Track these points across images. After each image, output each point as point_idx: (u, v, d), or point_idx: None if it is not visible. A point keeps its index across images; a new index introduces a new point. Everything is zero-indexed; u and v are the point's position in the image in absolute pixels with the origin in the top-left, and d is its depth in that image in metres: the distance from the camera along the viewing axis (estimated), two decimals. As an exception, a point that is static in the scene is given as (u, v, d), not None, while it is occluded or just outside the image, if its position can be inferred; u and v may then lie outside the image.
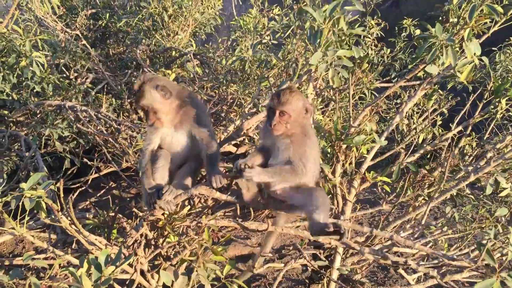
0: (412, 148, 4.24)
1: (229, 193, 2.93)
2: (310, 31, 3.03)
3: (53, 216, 2.76)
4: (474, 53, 3.11)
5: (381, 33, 7.00)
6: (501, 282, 2.39)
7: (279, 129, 2.69)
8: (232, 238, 5.41)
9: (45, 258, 3.10)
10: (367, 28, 6.87)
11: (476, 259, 2.58)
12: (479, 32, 3.36)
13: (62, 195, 2.61)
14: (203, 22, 8.52)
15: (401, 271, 4.14)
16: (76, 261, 2.60)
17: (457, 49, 3.23)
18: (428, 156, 6.15)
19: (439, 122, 5.94)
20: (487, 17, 3.14)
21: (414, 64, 3.56)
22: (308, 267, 4.10)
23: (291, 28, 4.31)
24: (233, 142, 4.00)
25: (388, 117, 7.39)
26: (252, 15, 7.00)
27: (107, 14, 8.25)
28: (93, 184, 6.16)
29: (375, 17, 6.87)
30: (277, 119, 2.66)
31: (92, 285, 1.81)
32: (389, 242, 3.75)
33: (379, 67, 7.05)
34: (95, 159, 5.25)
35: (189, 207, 2.90)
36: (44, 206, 2.55)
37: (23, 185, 2.40)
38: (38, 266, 3.21)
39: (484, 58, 3.17)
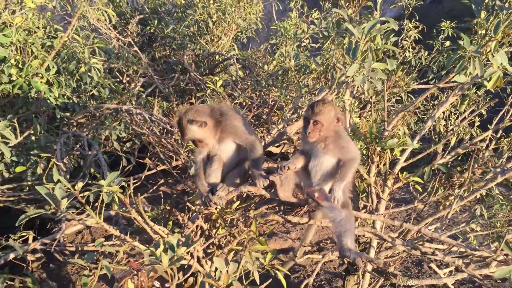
0: (448, 149, 4.50)
1: (272, 191, 3.31)
2: (349, 45, 3.36)
3: (123, 208, 3.19)
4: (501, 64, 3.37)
5: (419, 36, 7.20)
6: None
7: (313, 137, 3.05)
8: (274, 232, 5.78)
9: (112, 245, 3.57)
10: (405, 31, 7.10)
11: (496, 250, 2.84)
12: (508, 43, 3.61)
13: (131, 191, 3.06)
14: (244, 26, 8.93)
15: (433, 265, 4.41)
16: (142, 247, 3.03)
17: (486, 59, 3.49)
18: (461, 158, 6.31)
19: (477, 123, 6.08)
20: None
21: (446, 71, 3.81)
22: (345, 260, 4.42)
23: (330, 38, 4.62)
24: (276, 144, 4.37)
25: (425, 118, 7.55)
26: (292, 22, 7.32)
27: (155, 21, 8.78)
28: (143, 181, 6.67)
29: (413, 20, 7.08)
30: (311, 128, 3.02)
31: (168, 262, 2.23)
32: (421, 238, 4.04)
33: (415, 70, 7.26)
34: (147, 158, 5.72)
35: (238, 202, 3.29)
36: (117, 200, 3.00)
37: (101, 182, 2.84)
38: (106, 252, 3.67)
39: (508, 67, 3.40)
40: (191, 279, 3.79)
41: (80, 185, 2.84)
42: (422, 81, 7.57)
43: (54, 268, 5.86)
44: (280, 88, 5.95)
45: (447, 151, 4.49)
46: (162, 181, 6.05)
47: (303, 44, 7.94)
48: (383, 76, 3.39)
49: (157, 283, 2.29)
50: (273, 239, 6.24)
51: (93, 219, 3.98)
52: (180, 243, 2.61)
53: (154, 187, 5.91)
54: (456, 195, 4.12)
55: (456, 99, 6.71)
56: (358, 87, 4.53)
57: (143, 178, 5.84)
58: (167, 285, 2.46)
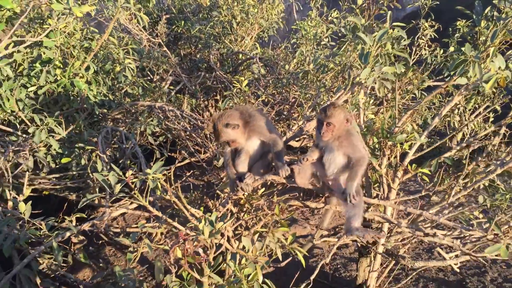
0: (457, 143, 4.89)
1: (291, 179, 3.78)
2: (361, 51, 3.80)
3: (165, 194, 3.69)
4: (499, 67, 3.77)
5: (435, 34, 7.53)
6: (507, 247, 3.08)
7: (326, 136, 3.50)
8: (294, 219, 6.26)
9: (152, 227, 4.09)
10: (421, 30, 7.44)
11: (487, 229, 3.25)
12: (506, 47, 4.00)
13: (172, 178, 3.56)
14: (266, 26, 9.39)
15: (440, 250, 4.83)
16: (180, 226, 3.53)
17: (487, 62, 3.88)
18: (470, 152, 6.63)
19: (491, 119, 6.39)
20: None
21: (451, 73, 4.20)
22: (358, 243, 4.87)
23: (347, 42, 5.04)
24: (296, 139, 4.84)
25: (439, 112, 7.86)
26: (311, 24, 7.73)
27: (182, 22, 9.30)
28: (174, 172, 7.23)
29: (429, 19, 7.42)
30: (325, 129, 3.48)
31: (209, 233, 2.73)
32: (428, 224, 4.47)
33: (430, 68, 7.60)
34: (178, 151, 6.26)
35: (263, 189, 3.77)
36: (159, 186, 3.50)
37: (148, 170, 3.34)
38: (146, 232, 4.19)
39: (506, 72, 3.80)
40: (220, 257, 4.29)
41: (130, 172, 3.35)
42: (437, 78, 7.89)
43: (93, 251, 6.44)
44: (300, 87, 6.40)
45: (456, 145, 4.89)
46: (190, 172, 6.58)
47: (322, 42, 8.37)
48: (392, 78, 3.82)
49: (200, 250, 2.79)
50: (293, 227, 6.71)
51: (134, 204, 4.52)
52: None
53: (184, 178, 6.43)
54: (460, 185, 4.53)
55: (465, 98, 7.12)
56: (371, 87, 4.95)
57: (173, 169, 6.37)
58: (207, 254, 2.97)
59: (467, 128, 6.04)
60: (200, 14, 9.68)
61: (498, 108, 6.18)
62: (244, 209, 3.88)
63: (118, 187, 3.22)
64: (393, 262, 5.06)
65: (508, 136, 4.94)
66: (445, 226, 6.40)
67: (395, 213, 4.72)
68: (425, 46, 7.88)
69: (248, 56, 8.16)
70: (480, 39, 4.00)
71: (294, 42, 8.68)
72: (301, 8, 9.60)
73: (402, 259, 4.50)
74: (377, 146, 4.57)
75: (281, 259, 3.69)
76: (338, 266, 6.07)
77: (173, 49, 9.64)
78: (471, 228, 3.42)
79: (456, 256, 4.85)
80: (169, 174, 3.57)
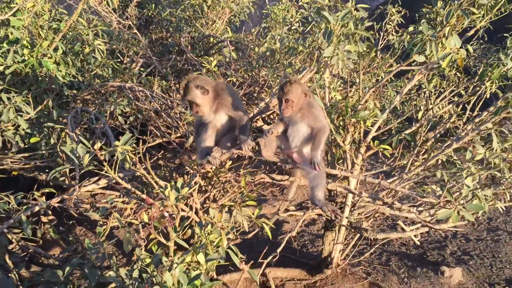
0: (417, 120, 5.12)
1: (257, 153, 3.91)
2: (325, 30, 3.93)
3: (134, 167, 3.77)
4: (455, 45, 3.97)
5: (402, 20, 7.73)
6: (457, 212, 3.27)
7: (287, 112, 3.66)
8: (263, 197, 6.41)
9: (122, 202, 4.16)
10: (388, 15, 7.64)
11: (439, 196, 3.44)
12: (462, 28, 4.22)
13: (141, 152, 3.64)
14: (237, 11, 9.45)
15: (400, 223, 5.06)
16: (149, 199, 3.63)
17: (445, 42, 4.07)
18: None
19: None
20: (464, 19, 3.98)
21: (409, 53, 4.39)
22: (323, 217, 5.06)
23: (312, 23, 5.18)
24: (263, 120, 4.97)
25: (407, 98, 8.12)
26: (282, 7, 7.84)
27: (153, 5, 9.28)
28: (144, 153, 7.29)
29: (396, 5, 7.61)
30: (284, 105, 3.63)
31: (174, 199, 2.84)
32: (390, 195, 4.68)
33: (398, 52, 7.81)
34: (148, 134, 6.32)
35: (230, 162, 3.89)
36: (129, 159, 3.58)
37: (116, 143, 3.41)
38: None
39: (461, 50, 4.01)
40: (189, 231, 4.41)
41: (98, 144, 3.42)
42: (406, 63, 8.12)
43: (63, 231, 6.47)
44: (269, 68, 6.52)
45: (414, 124, 5.12)
46: (161, 153, 6.64)
47: (293, 27, 8.49)
48: (354, 57, 3.98)
49: (166, 213, 2.89)
50: (263, 205, 6.87)
51: (104, 180, 4.58)
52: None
53: (154, 159, 6.49)
54: (419, 160, 4.76)
55: (436, 80, 7.36)
56: (337, 66, 5.11)
57: (143, 150, 6.44)
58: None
59: (433, 112, 6.29)
60: (171, -2, 9.67)
61: (463, 92, 6.44)
62: (212, 183, 4.00)
63: (86, 158, 3.28)
64: (357, 235, 5.27)
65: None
66: (405, 200, 6.66)
67: (357, 188, 4.92)
68: (392, 31, 8.08)
69: (219, 40, 8.23)
70: (437, 19, 4.19)
71: (265, 26, 8.78)
72: (272, -7, 9.68)
73: (365, 231, 4.70)
74: (341, 123, 4.75)
75: (247, 231, 3.83)
76: (306, 242, 6.27)
77: (144, 33, 9.60)
78: (425, 195, 3.61)
79: (416, 229, 5.09)
80: (138, 150, 3.65)
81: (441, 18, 4.15)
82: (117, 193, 4.97)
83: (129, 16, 8.82)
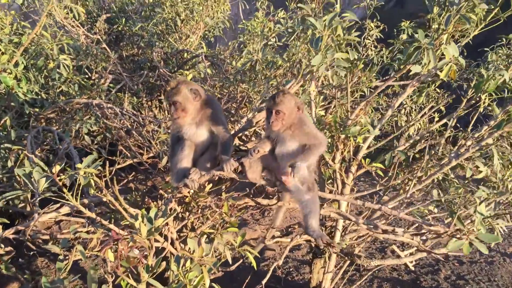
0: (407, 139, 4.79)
1: (242, 174, 3.47)
2: (312, 37, 3.57)
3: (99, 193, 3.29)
4: (453, 55, 3.66)
5: (381, 35, 7.49)
6: (470, 243, 2.91)
7: (276, 125, 3.23)
8: (245, 221, 5.94)
9: (87, 232, 3.65)
10: (367, 30, 7.38)
11: (449, 224, 3.07)
12: (460, 36, 3.92)
13: (108, 175, 3.17)
14: (212, 25, 9.09)
15: (395, 247, 4.67)
16: (117, 229, 3.14)
17: (441, 52, 3.76)
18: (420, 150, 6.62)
19: (436, 119, 6.41)
20: (464, 23, 3.68)
21: (404, 65, 4.07)
22: (312, 245, 4.63)
23: (295, 33, 4.84)
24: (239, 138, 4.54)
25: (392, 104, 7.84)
26: (258, 20, 7.53)
27: (123, 19, 8.83)
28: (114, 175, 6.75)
29: (374, 20, 7.37)
30: (274, 117, 3.20)
31: (146, 232, 2.37)
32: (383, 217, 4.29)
33: (376, 67, 7.55)
34: (118, 152, 5.82)
35: (210, 185, 3.43)
36: (93, 184, 3.11)
37: (78, 165, 2.94)
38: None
39: (460, 58, 3.70)
40: (163, 263, 3.91)
41: (57, 167, 2.94)
42: (384, 78, 7.87)
43: (23, 263, 5.86)
44: (248, 82, 6.15)
45: (407, 140, 4.79)
46: (132, 175, 6.14)
47: (269, 43, 8.16)
48: (345, 64, 3.62)
49: (136, 251, 2.42)
50: (243, 229, 6.40)
51: (66, 207, 4.06)
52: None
53: (124, 181, 5.98)
54: (414, 179, 4.40)
55: (415, 95, 7.11)
56: (322, 79, 4.76)
57: (112, 172, 5.92)
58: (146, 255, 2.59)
59: (414, 129, 6.00)
60: (143, 12, 9.24)
61: (443, 108, 6.20)
62: (190, 208, 3.53)
63: (42, 183, 2.80)
64: (348, 262, 4.85)
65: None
66: (400, 223, 6.30)
67: (349, 210, 4.52)
68: (371, 46, 7.84)
69: (193, 55, 7.82)
70: (433, 26, 3.88)
71: (242, 41, 8.44)
72: (247, 7, 9.38)
73: (358, 258, 4.30)
74: (329, 140, 4.37)
75: (230, 262, 3.38)
76: (291, 269, 5.81)
77: (114, 50, 9.14)
78: (432, 223, 3.23)
79: (411, 254, 4.72)
80: (105, 173, 3.18)
81: (436, 26, 3.84)
82: (82, 221, 4.48)
83: (97, 31, 8.34)
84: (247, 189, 3.89)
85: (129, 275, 2.45)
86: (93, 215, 3.15)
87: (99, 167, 3.14)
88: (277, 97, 3.17)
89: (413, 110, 7.03)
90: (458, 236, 3.12)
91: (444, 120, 4.58)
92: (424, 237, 3.72)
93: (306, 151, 3.21)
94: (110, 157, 5.85)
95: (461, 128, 4.83)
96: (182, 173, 3.43)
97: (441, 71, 3.74)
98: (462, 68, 3.87)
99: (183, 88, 3.31)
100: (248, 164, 3.31)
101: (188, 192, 3.42)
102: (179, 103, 3.32)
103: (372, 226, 3.53)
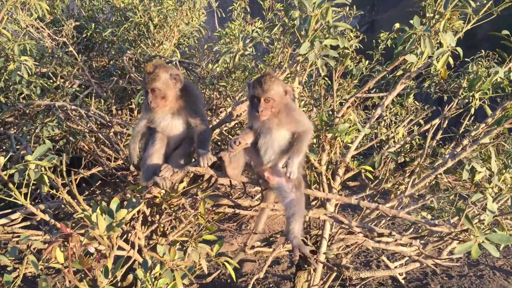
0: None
1: (221, 172, 3.07)
2: (299, 20, 3.24)
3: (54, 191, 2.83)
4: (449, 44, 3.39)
5: (360, 45, 7.27)
6: (479, 245, 2.57)
7: (266, 114, 2.86)
8: (220, 233, 5.52)
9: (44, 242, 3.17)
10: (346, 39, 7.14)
11: (455, 224, 2.73)
12: (453, 29, 3.66)
13: (64, 169, 2.73)
14: (186, 34, 8.73)
15: (384, 258, 4.31)
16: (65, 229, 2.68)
17: (434, 42, 3.48)
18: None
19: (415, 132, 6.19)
20: (459, 12, 3.42)
21: (397, 56, 3.77)
22: (295, 257, 4.23)
23: (277, 27, 4.54)
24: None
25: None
26: (237, 23, 7.26)
27: (92, 24, 8.39)
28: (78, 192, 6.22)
29: (353, 30, 7.16)
30: (263, 106, 2.83)
31: (105, 228, 1.93)
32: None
33: (356, 79, 7.32)
34: (83, 158, 5.34)
35: (184, 184, 3.01)
36: (47, 180, 2.66)
37: (28, 157, 2.50)
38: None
39: (458, 48, 3.43)
40: (130, 276, 3.44)
41: (1, 159, 2.49)
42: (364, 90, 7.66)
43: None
44: (226, 82, 5.82)
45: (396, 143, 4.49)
46: (98, 183, 5.65)
47: (246, 52, 7.86)
48: (334, 54, 3.31)
49: (92, 248, 1.97)
50: (220, 243, 5.95)
51: (18, 213, 3.56)
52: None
53: (86, 193, 5.49)
54: (405, 183, 4.07)
55: (397, 109, 6.88)
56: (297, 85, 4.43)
57: (77, 180, 5.43)
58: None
59: (394, 140, 5.75)
60: (114, 18, 8.83)
61: (422, 122, 6.00)
62: (161, 211, 3.09)
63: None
64: (334, 275, 4.45)
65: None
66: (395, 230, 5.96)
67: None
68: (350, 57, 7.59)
69: (167, 60, 7.42)
70: (428, 15, 3.61)
71: (217, 50, 8.10)
72: (223, 15, 9.09)
73: (346, 270, 3.91)
74: (315, 140, 4.02)
75: (206, 272, 2.95)
76: (271, 285, 5.36)
77: (83, 60, 8.66)
78: (436, 223, 2.87)
79: (402, 265, 4.36)
80: (63, 162, 2.74)
81: (431, 14, 3.57)
82: (38, 233, 3.99)
83: (64, 34, 7.87)
84: (224, 187, 3.49)
85: (83, 278, 2.00)
86: (46, 217, 2.69)
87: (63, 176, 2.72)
88: (264, 83, 2.80)
89: (392, 122, 6.81)
90: (462, 237, 2.79)
91: (436, 120, 4.28)
92: (423, 241, 3.36)
93: (297, 142, 2.85)
94: (73, 169, 5.37)
95: (456, 129, 4.58)
96: (152, 170, 3.01)
97: (437, 60, 3.45)
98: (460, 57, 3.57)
99: (162, 73, 2.92)
100: (227, 159, 2.90)
101: (159, 192, 2.99)
102: (158, 89, 2.91)
103: (366, 229, 3.15)
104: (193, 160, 3.13)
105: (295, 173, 2.80)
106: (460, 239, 2.83)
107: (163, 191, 2.97)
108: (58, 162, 2.81)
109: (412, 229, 4.70)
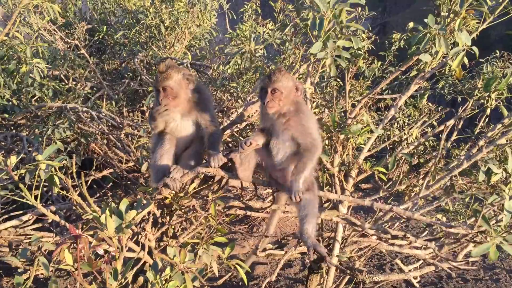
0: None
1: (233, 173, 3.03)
2: (313, 20, 3.19)
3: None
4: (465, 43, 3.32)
5: (373, 46, 7.19)
6: (497, 246, 2.49)
7: (272, 106, 2.82)
8: (231, 236, 5.49)
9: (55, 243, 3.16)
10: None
11: (472, 225, 2.66)
12: (468, 29, 3.59)
13: (75, 171, 2.71)
14: (198, 36, 8.73)
15: (398, 261, 4.24)
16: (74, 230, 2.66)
17: (449, 41, 3.41)
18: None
19: (429, 133, 6.11)
20: (473, 10, 3.36)
21: (411, 56, 3.70)
22: (307, 260, 4.18)
23: (288, 27, 4.50)
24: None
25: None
26: (248, 23, 7.24)
27: (104, 27, 8.43)
28: (90, 194, 6.22)
29: (366, 31, 7.09)
30: (270, 97, 2.79)
31: (114, 228, 1.90)
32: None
33: (368, 81, 7.25)
34: (94, 160, 5.35)
35: (194, 185, 2.97)
36: (57, 181, 2.64)
37: (38, 156, 2.48)
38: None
39: (474, 47, 3.36)
40: (141, 279, 3.41)
41: (13, 158, 2.48)
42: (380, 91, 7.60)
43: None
44: (238, 82, 5.80)
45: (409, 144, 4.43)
46: (109, 185, 5.65)
47: (257, 54, 7.83)
48: (346, 54, 3.26)
49: (100, 250, 1.94)
50: (234, 244, 5.91)
51: (29, 214, 3.55)
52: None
53: (97, 194, 5.49)
54: (419, 185, 4.00)
55: (410, 110, 6.82)
56: (317, 77, 4.37)
57: (88, 182, 5.44)
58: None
59: (407, 142, 5.69)
60: (125, 20, 8.85)
61: (435, 123, 5.92)
62: (171, 212, 3.06)
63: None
64: (347, 278, 4.38)
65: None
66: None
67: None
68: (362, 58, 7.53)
69: (178, 62, 7.41)
70: (442, 13, 3.54)
71: (228, 51, 8.09)
72: (235, 17, 9.08)
73: (359, 273, 3.85)
74: (327, 142, 3.97)
75: (217, 274, 2.91)
76: (282, 288, 5.32)
77: (95, 63, 8.70)
78: (453, 224, 2.79)
79: (416, 268, 4.29)
80: (73, 163, 2.72)
81: (446, 13, 3.50)
82: (49, 235, 3.98)
83: (76, 37, 7.91)
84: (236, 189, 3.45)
85: (93, 281, 1.98)
86: (57, 218, 2.67)
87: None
88: (273, 75, 2.77)
89: (405, 124, 6.74)
90: (479, 239, 2.72)
91: (451, 121, 4.20)
92: (438, 244, 3.28)
93: (301, 160, 2.80)
94: (84, 171, 5.37)
95: (469, 131, 4.50)
96: (162, 171, 2.97)
97: (452, 60, 3.39)
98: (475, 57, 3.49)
99: (175, 72, 2.89)
100: (238, 160, 2.86)
101: (169, 194, 2.96)
102: (170, 89, 2.88)
103: (380, 231, 3.09)
104: (204, 161, 3.10)
105: (299, 191, 2.75)
106: (476, 241, 2.76)
107: (173, 193, 2.94)
108: (69, 164, 2.78)
109: (426, 231, 4.62)
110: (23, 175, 2.59)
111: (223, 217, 2.99)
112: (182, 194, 2.94)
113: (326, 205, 3.73)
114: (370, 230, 3.10)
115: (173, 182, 2.87)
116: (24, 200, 2.60)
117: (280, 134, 2.91)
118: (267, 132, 2.97)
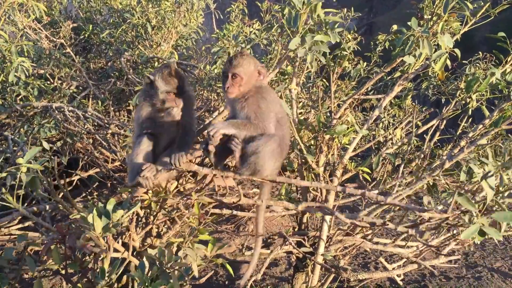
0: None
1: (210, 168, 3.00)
2: (289, 15, 3.21)
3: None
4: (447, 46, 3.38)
5: (358, 47, 7.25)
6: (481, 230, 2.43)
7: (232, 92, 2.77)
8: (218, 237, 5.50)
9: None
10: (344, 41, 7.13)
11: (445, 209, 2.61)
12: (451, 31, 3.65)
13: (60, 171, 2.70)
14: (184, 35, 8.72)
15: (382, 260, 4.29)
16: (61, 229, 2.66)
17: (432, 43, 3.47)
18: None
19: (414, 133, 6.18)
20: (456, 14, 3.42)
21: (395, 58, 3.74)
22: (293, 255, 4.22)
23: (274, 28, 4.53)
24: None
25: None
26: (235, 24, 7.25)
27: (90, 26, 8.38)
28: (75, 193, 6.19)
29: (351, 32, 7.14)
30: (230, 82, 2.75)
31: (102, 228, 1.91)
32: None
33: (354, 81, 7.30)
34: (80, 160, 5.33)
35: (176, 184, 2.98)
36: (39, 184, 2.62)
37: (19, 160, 2.46)
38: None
39: (456, 50, 3.42)
40: (124, 278, 3.41)
41: (-4, 159, 2.47)
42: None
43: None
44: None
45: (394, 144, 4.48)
46: (95, 185, 5.64)
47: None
48: (325, 49, 3.25)
49: (87, 250, 1.95)
50: (216, 246, 5.92)
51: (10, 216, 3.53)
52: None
53: (86, 192, 5.48)
54: (403, 185, 4.06)
55: (395, 110, 6.90)
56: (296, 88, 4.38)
57: (73, 183, 5.42)
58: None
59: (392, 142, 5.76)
60: (112, 19, 8.81)
61: (419, 123, 6.00)
62: (154, 212, 3.06)
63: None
64: (332, 277, 4.43)
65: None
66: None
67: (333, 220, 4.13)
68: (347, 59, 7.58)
69: (165, 62, 7.40)
70: (425, 17, 3.60)
71: (214, 52, 8.10)
72: (221, 17, 9.08)
73: (344, 271, 3.90)
74: (312, 142, 4.01)
75: (197, 275, 2.89)
76: (268, 287, 5.35)
77: (81, 62, 8.65)
78: (426, 208, 2.77)
79: (400, 266, 4.35)
80: (54, 164, 2.71)
81: (429, 16, 3.56)
82: (35, 234, 3.96)
83: (61, 36, 7.85)
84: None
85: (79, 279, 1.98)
86: (39, 220, 2.67)
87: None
88: (234, 59, 2.74)
89: (390, 124, 6.81)
90: (461, 223, 2.68)
91: (434, 121, 4.26)
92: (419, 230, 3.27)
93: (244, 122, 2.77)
94: (71, 171, 5.36)
95: (453, 131, 4.57)
96: (136, 170, 2.95)
97: (435, 62, 3.45)
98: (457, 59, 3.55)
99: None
100: (213, 150, 2.80)
101: (145, 193, 2.95)
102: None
103: (357, 220, 3.05)
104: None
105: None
106: (457, 224, 2.75)
107: (151, 192, 2.94)
108: (53, 165, 2.77)
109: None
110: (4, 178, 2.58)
111: (205, 218, 2.99)
112: (163, 194, 2.95)
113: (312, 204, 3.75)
114: (346, 220, 3.04)
115: (145, 180, 2.84)
116: (7, 204, 2.59)
117: (237, 114, 2.87)
118: (230, 115, 2.97)
